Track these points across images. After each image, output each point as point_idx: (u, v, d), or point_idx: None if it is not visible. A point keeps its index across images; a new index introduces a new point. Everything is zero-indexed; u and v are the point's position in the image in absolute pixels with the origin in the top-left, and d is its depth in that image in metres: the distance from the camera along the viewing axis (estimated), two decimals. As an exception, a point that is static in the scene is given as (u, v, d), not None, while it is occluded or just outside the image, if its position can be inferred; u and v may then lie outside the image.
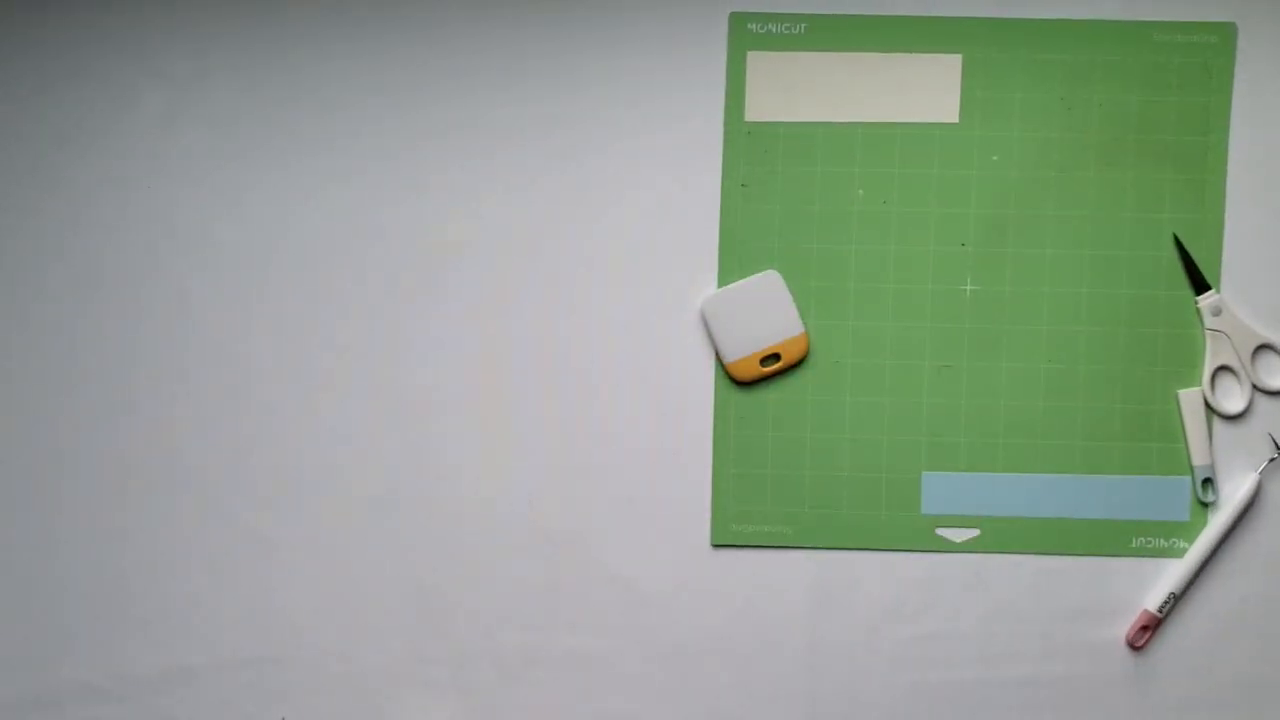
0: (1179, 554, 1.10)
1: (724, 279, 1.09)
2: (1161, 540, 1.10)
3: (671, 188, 1.09)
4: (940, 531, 1.10)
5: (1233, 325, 1.09)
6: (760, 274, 1.09)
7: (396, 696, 1.10)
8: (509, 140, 1.09)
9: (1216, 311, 1.09)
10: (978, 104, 1.09)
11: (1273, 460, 1.09)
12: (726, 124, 1.09)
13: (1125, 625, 1.10)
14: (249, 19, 1.09)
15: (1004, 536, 1.10)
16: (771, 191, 1.09)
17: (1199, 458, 1.09)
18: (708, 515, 1.10)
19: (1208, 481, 1.09)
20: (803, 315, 1.08)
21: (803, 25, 1.09)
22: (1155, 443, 1.09)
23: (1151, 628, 1.09)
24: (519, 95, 1.08)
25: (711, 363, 1.10)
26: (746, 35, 1.09)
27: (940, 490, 1.09)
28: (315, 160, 1.07)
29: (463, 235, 1.09)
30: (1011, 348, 1.10)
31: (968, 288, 1.09)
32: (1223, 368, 1.09)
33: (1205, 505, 1.09)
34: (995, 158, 1.09)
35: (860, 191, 1.09)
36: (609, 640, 1.11)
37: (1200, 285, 1.09)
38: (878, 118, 1.09)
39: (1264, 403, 1.10)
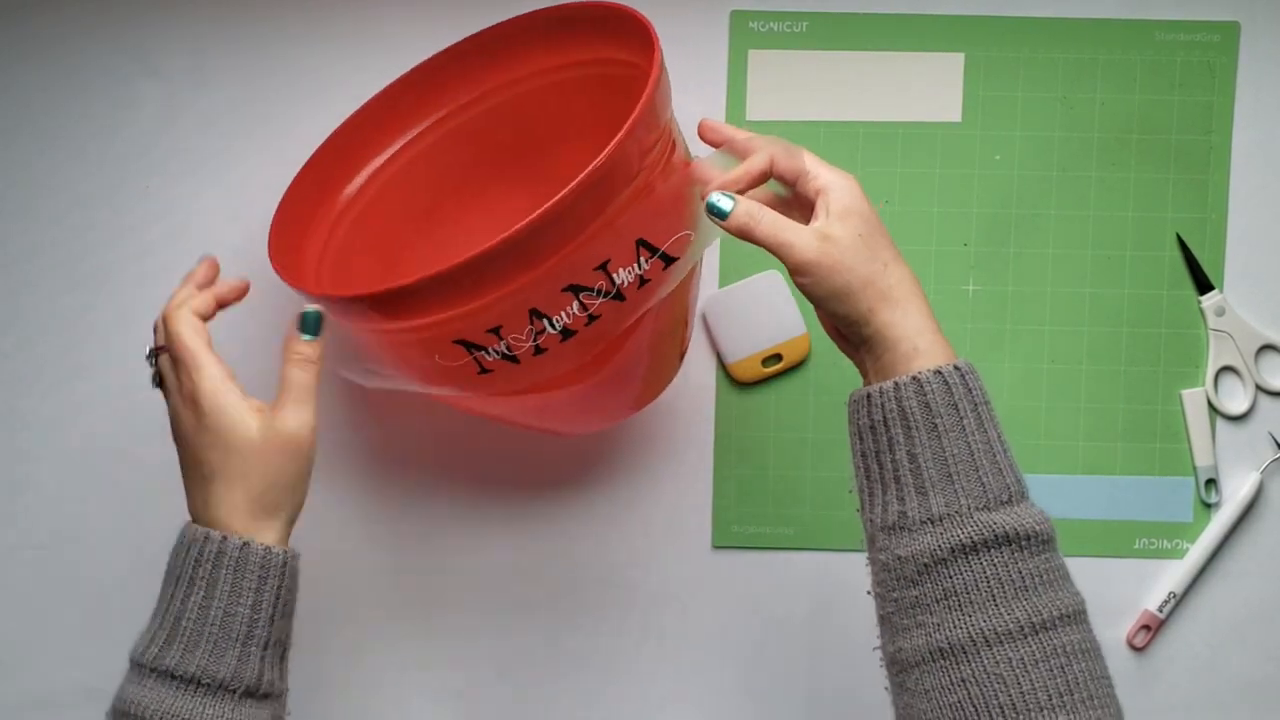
0: (1182, 555, 1.09)
1: (725, 279, 1.09)
2: (1165, 541, 1.10)
3: (672, 187, 1.08)
4: (942, 533, 1.09)
5: (1236, 325, 1.08)
6: (761, 274, 1.08)
7: (397, 698, 1.10)
8: (509, 140, 1.09)
9: (1220, 311, 1.08)
10: (980, 103, 1.08)
11: (1275, 460, 1.09)
12: (728, 123, 1.08)
13: (1127, 626, 1.10)
14: (248, 18, 1.08)
15: (1006, 537, 1.09)
16: (773, 191, 1.08)
17: (1202, 458, 1.09)
18: (709, 517, 1.10)
19: (1211, 482, 1.09)
20: (804, 315, 1.08)
21: (804, 24, 1.08)
22: (1158, 443, 1.09)
23: (1152, 628, 1.09)
24: (519, 95, 1.08)
25: (712, 363, 1.09)
26: (748, 34, 1.08)
27: (942, 491, 1.09)
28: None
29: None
30: (1014, 348, 1.09)
31: (970, 288, 1.09)
32: (1226, 368, 1.09)
33: (1208, 506, 1.09)
34: (997, 157, 1.09)
35: (862, 191, 1.08)
36: (610, 641, 1.10)
37: (1203, 285, 1.09)
38: (879, 117, 1.09)
39: (1267, 403, 1.09)
